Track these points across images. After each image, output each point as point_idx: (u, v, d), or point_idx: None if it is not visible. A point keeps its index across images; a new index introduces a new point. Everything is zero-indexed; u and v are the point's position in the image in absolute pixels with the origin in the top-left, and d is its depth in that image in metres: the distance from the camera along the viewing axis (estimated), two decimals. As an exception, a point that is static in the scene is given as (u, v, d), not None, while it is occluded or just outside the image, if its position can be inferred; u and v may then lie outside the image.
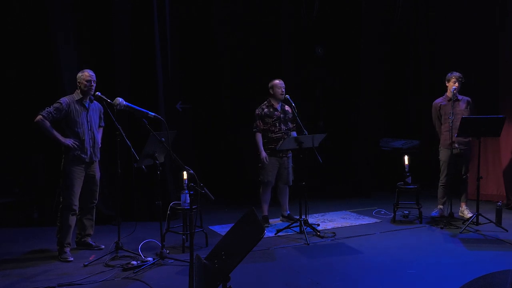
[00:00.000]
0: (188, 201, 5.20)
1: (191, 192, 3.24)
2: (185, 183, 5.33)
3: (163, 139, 4.56)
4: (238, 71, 8.20)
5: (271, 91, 6.32)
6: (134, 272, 4.62)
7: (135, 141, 5.13)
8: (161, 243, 5.01)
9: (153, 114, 4.49)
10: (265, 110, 6.30)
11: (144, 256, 4.98)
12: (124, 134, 4.96)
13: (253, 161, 6.49)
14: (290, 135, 6.25)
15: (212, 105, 8.14)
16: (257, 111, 6.34)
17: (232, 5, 8.12)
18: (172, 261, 4.94)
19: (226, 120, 8.17)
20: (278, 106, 6.34)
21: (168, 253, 5.05)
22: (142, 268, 4.71)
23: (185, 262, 4.72)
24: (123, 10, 6.66)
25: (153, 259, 4.90)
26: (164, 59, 6.84)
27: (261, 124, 6.29)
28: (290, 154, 6.38)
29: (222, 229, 6.19)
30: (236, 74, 8.20)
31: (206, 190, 3.21)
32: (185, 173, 5.19)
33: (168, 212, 5.50)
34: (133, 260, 4.85)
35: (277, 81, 6.30)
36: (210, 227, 6.29)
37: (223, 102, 8.21)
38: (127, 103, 4.68)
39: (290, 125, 6.37)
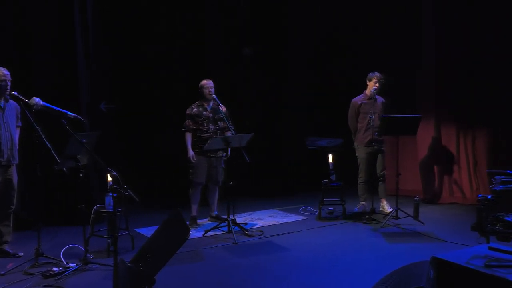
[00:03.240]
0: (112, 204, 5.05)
1: (115, 195, 3.15)
2: (109, 186, 5.18)
3: (83, 140, 4.40)
4: (167, 70, 8.08)
5: (200, 90, 6.32)
6: (55, 280, 4.43)
7: (57, 143, 4.91)
8: (85, 248, 4.84)
9: (73, 114, 4.34)
10: (195, 109, 6.28)
11: (66, 262, 4.78)
12: (43, 136, 4.73)
13: (183, 161, 6.43)
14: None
15: (140, 104, 7.95)
16: (187, 111, 6.32)
17: (162, 2, 7.98)
18: (97, 266, 4.78)
19: (155, 120, 8.02)
20: (208, 106, 6.33)
21: (92, 258, 4.89)
22: (65, 275, 4.53)
23: (110, 266, 4.57)
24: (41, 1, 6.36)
25: (76, 264, 4.72)
26: (87, 59, 6.62)
27: (191, 123, 6.26)
28: (223, 155, 6.36)
29: (149, 232, 6.07)
30: (166, 73, 8.08)
31: (130, 192, 3.14)
32: (109, 175, 5.04)
33: (92, 215, 5.31)
34: (55, 267, 4.65)
35: (205, 81, 6.31)
36: (136, 229, 6.16)
37: (152, 101, 8.05)
38: (44, 103, 4.49)
39: (220, 124, 6.36)
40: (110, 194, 5.13)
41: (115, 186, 3.15)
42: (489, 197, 2.98)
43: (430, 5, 7.60)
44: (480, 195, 3.03)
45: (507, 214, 3.02)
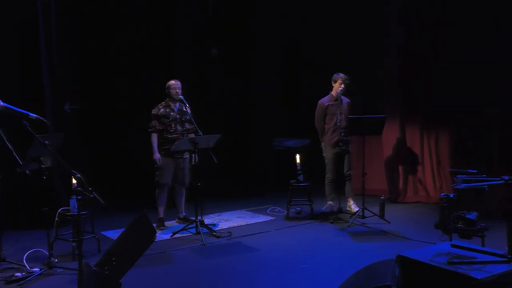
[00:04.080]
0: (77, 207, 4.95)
1: (79, 197, 3.09)
2: (74, 188, 5.08)
3: (46, 142, 4.29)
4: (134, 71, 7.97)
5: (166, 91, 6.26)
6: (18, 285, 4.32)
7: (20, 145, 4.78)
8: (49, 252, 4.73)
9: (35, 115, 4.21)
10: (161, 110, 6.22)
11: (29, 267, 4.67)
12: (5, 137, 4.60)
13: (149, 162, 6.36)
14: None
15: (106, 105, 7.82)
16: (153, 111, 6.24)
17: (127, 3, 7.88)
18: (61, 270, 4.68)
19: (121, 121, 7.90)
20: (175, 106, 6.28)
21: (57, 262, 4.78)
22: (28, 280, 4.41)
23: (75, 270, 4.48)
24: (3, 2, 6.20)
25: (40, 269, 4.61)
26: (50, 59, 6.48)
27: (157, 124, 6.20)
28: (186, 156, 6.33)
29: (115, 234, 5.97)
30: (133, 74, 7.97)
31: (95, 194, 3.08)
32: (73, 177, 4.94)
33: (56, 218, 5.19)
34: (18, 272, 4.53)
35: (172, 82, 6.25)
36: (103, 232, 6.06)
37: (118, 102, 7.93)
38: (4, 103, 4.35)
39: (187, 126, 6.32)
40: (75, 196, 5.03)
41: (80, 188, 3.08)
42: (451, 195, 3.05)
43: (395, 6, 7.75)
44: (442, 194, 3.11)
45: (468, 212, 3.11)
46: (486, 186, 3.03)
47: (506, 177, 2.99)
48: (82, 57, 7.58)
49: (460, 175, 3.13)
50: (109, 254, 2.78)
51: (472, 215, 3.07)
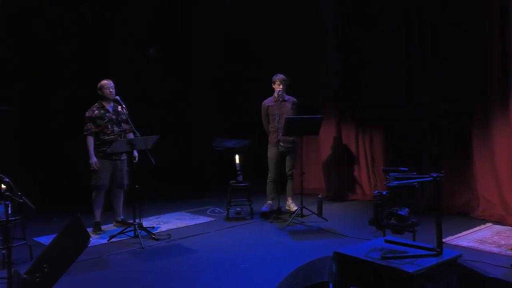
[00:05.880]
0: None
1: (7, 202, 2.95)
2: (2, 193, 4.84)
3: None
4: (69, 71, 7.70)
5: (99, 92, 6.09)
6: None
7: None
8: (-25, 261, 4.48)
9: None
10: (96, 112, 6.04)
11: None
12: None
13: (85, 165, 6.15)
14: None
15: (38, 107, 7.51)
16: (87, 114, 6.04)
17: (63, 2, 7.61)
18: (-11, 279, 4.44)
19: (55, 123, 7.61)
20: (109, 107, 6.11)
21: (-15, 271, 4.54)
22: (-48, 291, 4.16)
23: (4, 279, 4.27)
24: None
25: (-34, 279, 4.35)
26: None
27: (92, 126, 6.01)
28: (124, 157, 6.18)
29: (48, 240, 5.72)
30: (67, 74, 7.70)
31: (25, 199, 2.94)
32: (1, 181, 4.70)
33: (-16, 225, 4.93)
34: None
35: (105, 81, 6.08)
36: (35, 238, 5.81)
37: (51, 104, 7.63)
38: None
39: (124, 126, 6.18)
40: (3, 202, 4.80)
41: (8, 193, 2.94)
42: (384, 193, 3.16)
43: (331, 8, 7.93)
44: (376, 192, 3.21)
45: (400, 208, 3.23)
46: (416, 183, 3.16)
47: (435, 174, 3.14)
48: (12, 57, 7.25)
49: (393, 173, 3.25)
50: (40, 261, 2.66)
51: (404, 211, 3.20)
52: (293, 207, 7.03)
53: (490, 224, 6.11)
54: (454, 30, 6.62)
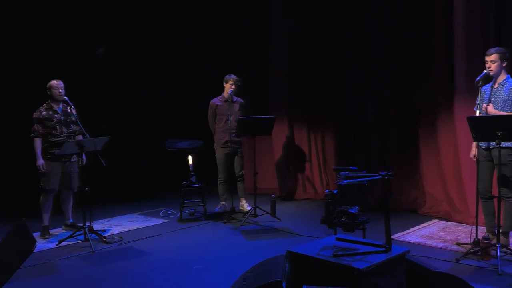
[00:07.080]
0: None
1: None
2: None
3: None
4: (15, 71, 7.44)
5: (48, 92, 5.91)
6: None
7: None
8: None
9: None
10: (44, 113, 5.85)
11: None
12: None
13: (31, 167, 5.94)
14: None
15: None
16: (35, 115, 5.85)
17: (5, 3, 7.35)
18: None
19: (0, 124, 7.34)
20: (58, 108, 5.94)
21: None
22: None
23: None
24: None
25: None
26: None
27: (40, 128, 5.83)
28: (74, 159, 6.02)
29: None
30: (13, 75, 7.43)
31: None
32: None
33: None
34: None
35: (54, 82, 5.91)
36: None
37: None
38: None
39: (73, 127, 6.02)
40: None
41: None
42: (335, 191, 3.22)
43: (279, 8, 8.00)
44: (327, 191, 3.26)
45: (351, 207, 3.29)
46: (366, 182, 3.23)
47: (383, 173, 3.22)
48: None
49: (343, 172, 3.31)
50: (-17, 268, 2.56)
51: (354, 209, 3.26)
52: (247, 207, 7.04)
53: (436, 220, 6.34)
54: (401, 31, 6.83)
